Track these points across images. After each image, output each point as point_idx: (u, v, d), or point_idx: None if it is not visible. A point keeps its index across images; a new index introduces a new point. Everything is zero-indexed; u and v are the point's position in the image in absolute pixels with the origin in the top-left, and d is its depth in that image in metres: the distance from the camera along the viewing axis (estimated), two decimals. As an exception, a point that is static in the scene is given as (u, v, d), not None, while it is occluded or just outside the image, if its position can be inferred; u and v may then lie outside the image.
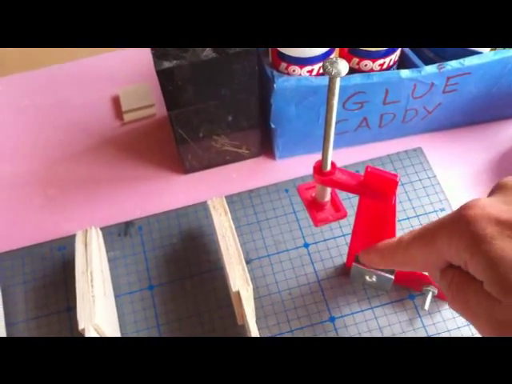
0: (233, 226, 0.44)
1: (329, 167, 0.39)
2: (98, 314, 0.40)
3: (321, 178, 0.39)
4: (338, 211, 0.42)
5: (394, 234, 0.41)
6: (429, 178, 0.53)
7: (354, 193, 0.39)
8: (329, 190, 0.41)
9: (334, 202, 0.42)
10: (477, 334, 0.44)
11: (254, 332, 0.40)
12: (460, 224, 0.31)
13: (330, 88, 0.33)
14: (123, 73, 0.61)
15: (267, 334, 0.45)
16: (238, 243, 0.43)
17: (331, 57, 0.33)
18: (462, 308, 0.32)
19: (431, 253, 0.34)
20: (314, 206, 0.42)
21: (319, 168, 0.39)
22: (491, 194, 0.34)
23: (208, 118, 0.49)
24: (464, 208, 0.32)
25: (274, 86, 0.47)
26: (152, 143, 0.56)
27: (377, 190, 0.38)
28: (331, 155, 0.38)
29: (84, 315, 0.39)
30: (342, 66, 0.32)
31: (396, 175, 0.37)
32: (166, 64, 0.43)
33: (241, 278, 0.41)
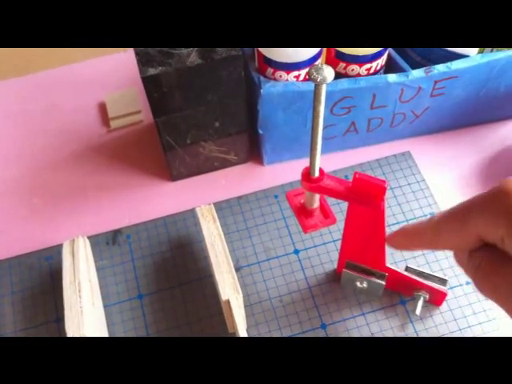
0: (222, 234, 0.44)
1: (317, 174, 0.38)
2: (86, 324, 0.39)
3: (309, 184, 0.39)
4: (327, 217, 0.42)
5: (383, 240, 0.41)
6: (418, 182, 0.53)
7: (343, 199, 0.39)
8: (317, 196, 0.41)
9: (323, 208, 0.42)
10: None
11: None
12: (498, 198, 0.30)
13: (316, 95, 0.33)
14: (110, 78, 0.61)
15: (258, 342, 0.45)
16: (228, 251, 0.43)
17: (317, 63, 0.33)
18: (492, 291, 0.31)
19: (464, 230, 0.32)
20: (302, 212, 0.42)
21: (307, 174, 0.39)
22: None
23: (195, 124, 0.49)
24: (502, 183, 0.31)
25: (261, 91, 0.46)
26: (139, 150, 0.56)
27: (365, 196, 0.38)
28: (319, 162, 0.38)
29: (72, 326, 0.39)
30: (328, 73, 0.32)
31: (384, 181, 0.37)
32: (152, 71, 0.43)
33: (230, 287, 0.40)
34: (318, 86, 0.33)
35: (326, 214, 0.42)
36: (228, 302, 0.40)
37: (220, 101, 0.47)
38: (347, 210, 0.40)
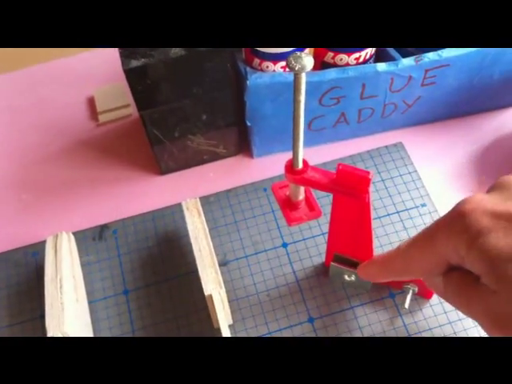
0: (206, 228, 0.43)
1: (300, 165, 0.38)
2: (68, 321, 0.39)
3: (292, 176, 0.38)
4: (313, 210, 0.41)
5: (370, 232, 0.40)
6: (409, 173, 0.52)
7: (327, 191, 0.38)
8: (302, 188, 0.40)
9: (309, 200, 0.41)
10: (460, 333, 0.43)
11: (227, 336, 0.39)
12: (456, 219, 0.31)
13: (296, 84, 0.32)
14: (98, 72, 0.60)
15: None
16: (211, 245, 0.42)
17: (296, 52, 0.32)
18: (467, 310, 0.32)
19: (431, 254, 0.33)
20: (288, 205, 0.41)
21: (290, 166, 0.38)
22: (488, 192, 0.33)
23: (182, 118, 0.48)
24: (460, 203, 0.32)
25: (248, 82, 0.46)
26: (127, 144, 0.55)
27: (349, 188, 0.37)
28: (302, 153, 0.37)
29: (52, 323, 0.38)
30: (307, 61, 0.31)
31: (368, 172, 0.36)
32: (134, 63, 0.42)
33: (213, 281, 0.40)
34: (297, 75, 0.32)
35: (312, 207, 0.41)
36: (211, 296, 0.39)
37: (206, 93, 0.46)
38: (332, 202, 0.39)
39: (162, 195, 0.52)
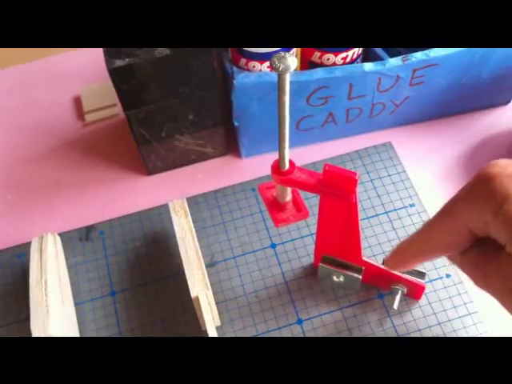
0: (193, 229, 0.43)
1: (287, 166, 0.37)
2: (52, 323, 0.38)
3: (279, 177, 0.38)
4: (300, 211, 0.41)
5: (358, 233, 0.40)
6: (398, 173, 0.52)
7: (314, 192, 0.38)
8: (289, 189, 0.40)
9: (296, 201, 0.41)
10: (449, 334, 0.43)
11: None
12: (480, 184, 0.29)
13: (280, 84, 0.32)
14: (85, 71, 0.59)
15: (233, 339, 0.44)
16: (198, 246, 0.42)
17: (280, 52, 0.32)
18: (484, 284, 0.31)
19: (453, 224, 0.31)
20: (275, 206, 0.41)
21: (277, 167, 0.38)
22: None
23: (169, 117, 0.48)
24: (483, 168, 0.30)
25: (234, 82, 0.45)
26: (114, 144, 0.55)
27: (336, 189, 0.37)
28: (288, 154, 0.37)
29: (37, 325, 0.38)
30: (291, 62, 0.31)
31: (355, 173, 0.36)
32: (119, 62, 0.42)
33: (200, 283, 0.39)
34: (281, 76, 0.31)
35: (299, 208, 0.41)
36: (197, 298, 0.39)
37: (193, 92, 0.46)
38: (319, 203, 0.39)
39: (150, 196, 0.51)
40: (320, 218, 0.41)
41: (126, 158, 0.54)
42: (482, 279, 0.31)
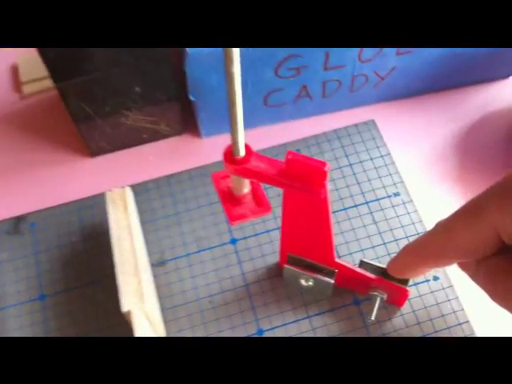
0: (133, 225, 0.36)
1: (241, 153, 0.30)
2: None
3: (233, 166, 0.31)
4: (261, 206, 0.34)
5: (329, 231, 0.34)
6: (382, 156, 0.45)
7: (276, 185, 0.31)
8: (246, 180, 0.33)
9: (256, 193, 0.34)
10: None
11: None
12: None
13: (226, 52, 0.25)
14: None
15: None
16: (137, 247, 0.35)
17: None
18: (503, 300, 0.29)
19: (480, 226, 0.28)
20: (230, 199, 0.34)
21: (230, 154, 0.31)
22: None
23: (111, 90, 0.40)
24: None
25: (187, 50, 0.38)
26: (55, 120, 0.47)
27: (302, 182, 0.30)
28: (243, 138, 0.30)
29: None
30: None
31: (324, 163, 0.29)
32: (41, 22, 0.34)
33: (135, 294, 0.32)
34: (226, 39, 0.24)
35: (260, 202, 0.34)
36: (130, 313, 0.32)
37: (137, 62, 0.38)
38: (283, 197, 0.32)
39: (92, 181, 0.44)
40: (284, 214, 0.34)
41: (68, 136, 0.46)
42: (502, 294, 0.29)
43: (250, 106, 0.44)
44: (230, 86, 0.27)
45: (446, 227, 0.30)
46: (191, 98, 0.42)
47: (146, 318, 0.32)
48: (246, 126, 0.46)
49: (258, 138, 0.46)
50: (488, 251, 0.29)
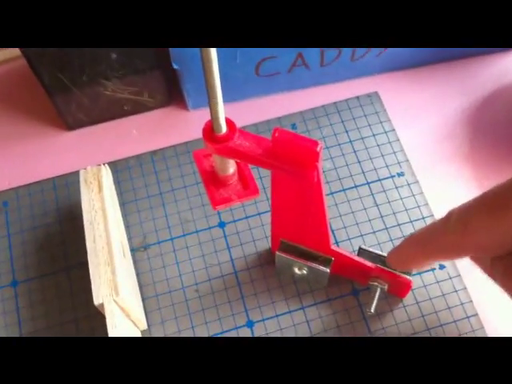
0: (108, 208, 0.32)
1: (223, 129, 0.27)
2: None
3: (214, 145, 0.27)
4: (247, 188, 0.31)
5: (323, 217, 0.30)
6: (386, 132, 0.41)
7: (262, 166, 0.28)
8: (231, 160, 0.29)
9: (243, 174, 0.31)
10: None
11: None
12: None
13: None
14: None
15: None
16: (112, 233, 0.31)
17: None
18: None
19: (505, 220, 0.25)
20: (214, 180, 0.31)
21: (210, 131, 0.27)
22: None
23: (86, 57, 0.37)
24: None
25: (168, 11, 0.34)
26: (26, 91, 0.44)
27: (291, 164, 0.27)
28: (223, 113, 0.26)
29: None
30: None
31: (316, 143, 0.26)
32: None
33: (108, 285, 0.29)
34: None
35: (246, 184, 0.31)
36: (102, 306, 0.29)
37: (113, 24, 0.35)
38: (271, 179, 0.29)
39: (68, 157, 0.41)
40: (273, 197, 0.31)
41: (42, 108, 0.43)
42: None
43: (240, 76, 0.40)
44: (204, 54, 0.24)
45: (462, 221, 0.27)
46: (174, 66, 0.38)
47: (122, 310, 0.29)
48: (236, 98, 0.43)
49: (248, 111, 0.42)
50: (510, 249, 0.26)
